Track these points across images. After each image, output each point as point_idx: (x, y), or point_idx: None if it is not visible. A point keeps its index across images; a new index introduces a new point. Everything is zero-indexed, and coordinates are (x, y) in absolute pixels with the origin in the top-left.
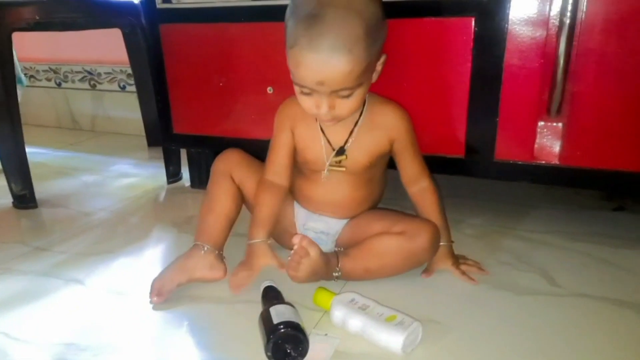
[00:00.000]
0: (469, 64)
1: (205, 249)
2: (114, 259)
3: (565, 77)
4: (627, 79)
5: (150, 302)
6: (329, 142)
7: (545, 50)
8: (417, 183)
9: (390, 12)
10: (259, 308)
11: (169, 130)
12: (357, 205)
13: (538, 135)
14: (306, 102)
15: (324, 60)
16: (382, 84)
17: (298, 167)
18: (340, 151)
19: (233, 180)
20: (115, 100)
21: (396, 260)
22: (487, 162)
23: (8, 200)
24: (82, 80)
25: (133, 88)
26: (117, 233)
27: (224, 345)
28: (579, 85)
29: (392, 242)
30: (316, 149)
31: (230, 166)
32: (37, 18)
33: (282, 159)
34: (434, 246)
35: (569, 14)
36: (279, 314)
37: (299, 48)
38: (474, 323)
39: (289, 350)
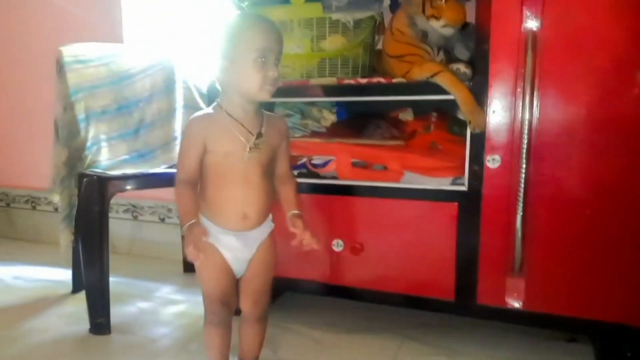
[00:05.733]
0: (454, 239)
1: None
2: None
3: (524, 248)
4: (577, 248)
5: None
6: (249, 131)
7: (509, 227)
8: (286, 183)
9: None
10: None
11: None
12: (264, 206)
13: (507, 287)
14: (258, 74)
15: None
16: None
17: (213, 176)
18: (259, 135)
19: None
20: (154, 230)
21: None
22: (471, 305)
23: (84, 326)
24: (125, 212)
25: (172, 220)
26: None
27: None
28: (536, 253)
29: None
30: (236, 139)
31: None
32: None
33: (193, 162)
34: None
35: (522, 204)
36: None
37: (250, 30)
38: None
39: None
